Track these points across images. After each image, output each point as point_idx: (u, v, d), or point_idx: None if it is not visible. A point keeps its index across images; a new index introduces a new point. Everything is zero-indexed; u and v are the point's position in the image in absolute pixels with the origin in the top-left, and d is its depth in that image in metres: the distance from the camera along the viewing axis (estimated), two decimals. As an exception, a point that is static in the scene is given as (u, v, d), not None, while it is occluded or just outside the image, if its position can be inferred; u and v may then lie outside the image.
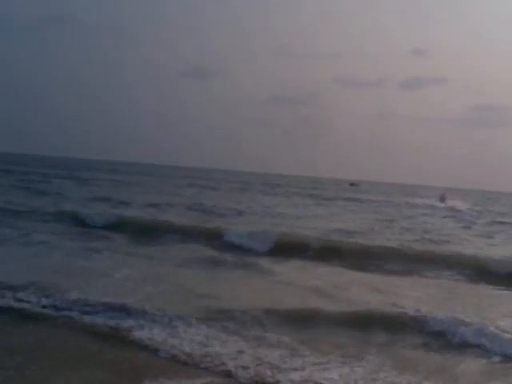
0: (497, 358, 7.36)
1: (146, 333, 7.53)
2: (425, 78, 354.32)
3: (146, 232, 18.25)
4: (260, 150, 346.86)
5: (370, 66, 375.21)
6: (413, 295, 11.07)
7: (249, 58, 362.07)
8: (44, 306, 8.55)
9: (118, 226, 19.10)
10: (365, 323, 8.57)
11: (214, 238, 17.52)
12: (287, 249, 16.22)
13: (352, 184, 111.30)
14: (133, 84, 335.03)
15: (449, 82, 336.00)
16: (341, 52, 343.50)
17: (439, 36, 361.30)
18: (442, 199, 58.98)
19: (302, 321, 8.59)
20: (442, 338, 8.09)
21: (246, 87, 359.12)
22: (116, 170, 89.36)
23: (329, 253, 15.99)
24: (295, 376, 6.37)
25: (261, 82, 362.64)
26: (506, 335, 7.81)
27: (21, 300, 8.75)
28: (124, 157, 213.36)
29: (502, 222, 35.12)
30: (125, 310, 8.39)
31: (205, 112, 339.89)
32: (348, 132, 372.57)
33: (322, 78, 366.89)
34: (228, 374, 6.41)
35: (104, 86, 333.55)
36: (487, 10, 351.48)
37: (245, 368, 6.53)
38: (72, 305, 8.59)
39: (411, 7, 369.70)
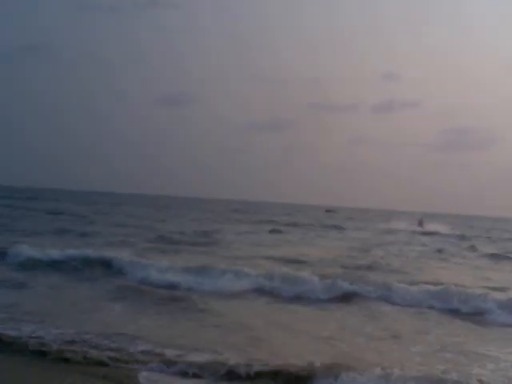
0: None
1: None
2: (397, 102, 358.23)
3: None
4: (238, 177, 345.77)
5: (344, 90, 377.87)
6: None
7: (225, 85, 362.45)
8: None
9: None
10: None
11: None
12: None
13: (328, 210, 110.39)
14: (108, 112, 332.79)
15: (421, 106, 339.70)
16: (316, 77, 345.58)
17: (410, 60, 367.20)
18: (420, 224, 60.24)
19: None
20: None
21: (222, 114, 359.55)
22: (83, 201, 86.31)
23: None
24: None
25: (237, 109, 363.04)
26: None
27: None
28: (99, 186, 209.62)
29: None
30: None
31: (181, 140, 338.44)
32: (324, 158, 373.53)
33: (298, 104, 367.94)
34: None
35: (78, 114, 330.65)
36: (457, 33, 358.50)
37: None
38: None
39: (383, 32, 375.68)
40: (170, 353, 8.10)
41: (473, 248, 33.42)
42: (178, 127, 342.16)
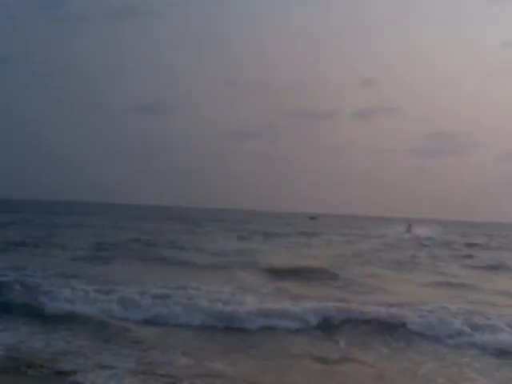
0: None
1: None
2: (377, 107, 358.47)
3: None
4: (217, 185, 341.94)
5: (325, 96, 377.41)
6: None
7: (203, 92, 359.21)
8: None
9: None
10: None
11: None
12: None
13: (312, 218, 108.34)
14: (84, 121, 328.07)
15: (400, 112, 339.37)
16: (292, 84, 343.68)
17: (390, 66, 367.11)
18: (409, 229, 61.98)
19: None
20: None
21: (201, 122, 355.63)
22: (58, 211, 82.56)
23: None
24: None
25: (216, 116, 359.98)
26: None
27: None
28: (75, 197, 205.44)
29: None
30: None
31: (158, 148, 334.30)
32: (306, 165, 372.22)
33: (277, 110, 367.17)
34: None
35: (53, 124, 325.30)
36: (436, 40, 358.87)
37: None
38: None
39: (362, 38, 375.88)
40: None
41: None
42: (155, 135, 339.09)
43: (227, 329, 10.42)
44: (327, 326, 10.70)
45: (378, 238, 46.43)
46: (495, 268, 25.00)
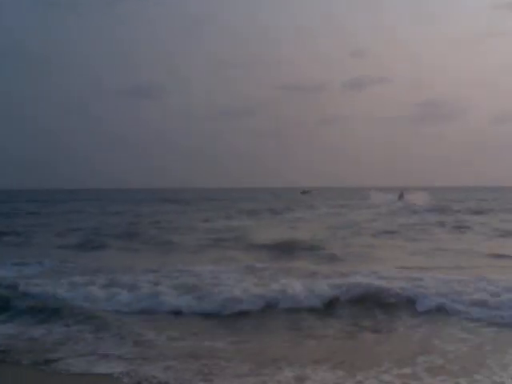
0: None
1: None
2: (367, 78, 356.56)
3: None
4: (211, 165, 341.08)
5: (313, 70, 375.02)
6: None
7: (191, 73, 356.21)
8: None
9: None
10: None
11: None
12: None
13: (304, 192, 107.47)
14: (81, 106, 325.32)
15: (390, 81, 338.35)
16: (282, 60, 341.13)
17: (377, 36, 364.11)
18: (401, 197, 63.24)
19: None
20: None
21: (191, 103, 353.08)
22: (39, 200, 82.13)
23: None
24: None
25: (209, 95, 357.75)
26: None
27: None
28: (75, 184, 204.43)
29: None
30: None
31: (150, 131, 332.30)
32: (298, 139, 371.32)
33: (267, 87, 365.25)
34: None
35: (49, 109, 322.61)
36: (422, 7, 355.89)
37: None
38: None
39: (348, 10, 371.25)
40: None
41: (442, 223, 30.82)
42: (150, 118, 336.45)
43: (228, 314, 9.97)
44: (328, 304, 10.31)
45: (370, 209, 46.51)
46: (484, 233, 24.92)
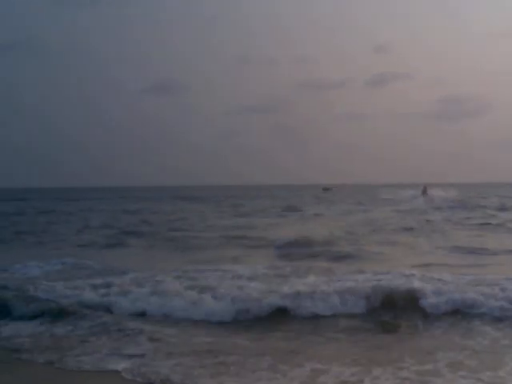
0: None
1: None
2: (390, 74, 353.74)
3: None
4: (233, 162, 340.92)
5: (335, 67, 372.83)
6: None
7: (212, 70, 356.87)
8: None
9: None
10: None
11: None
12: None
13: (326, 189, 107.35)
14: (97, 104, 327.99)
15: (413, 77, 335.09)
16: (303, 57, 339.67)
17: (399, 32, 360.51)
18: (424, 192, 64.90)
19: None
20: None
21: (211, 99, 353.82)
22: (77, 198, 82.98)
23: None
24: None
25: (227, 93, 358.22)
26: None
27: None
28: (92, 182, 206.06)
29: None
30: None
31: (171, 128, 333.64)
32: (320, 136, 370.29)
33: (288, 84, 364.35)
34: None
35: (68, 107, 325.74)
36: (445, 2, 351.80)
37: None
38: None
39: (369, 6, 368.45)
40: None
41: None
42: (167, 115, 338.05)
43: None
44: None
45: (392, 205, 45.96)
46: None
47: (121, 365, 7.01)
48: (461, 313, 9.34)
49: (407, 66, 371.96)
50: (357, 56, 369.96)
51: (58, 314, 9.63)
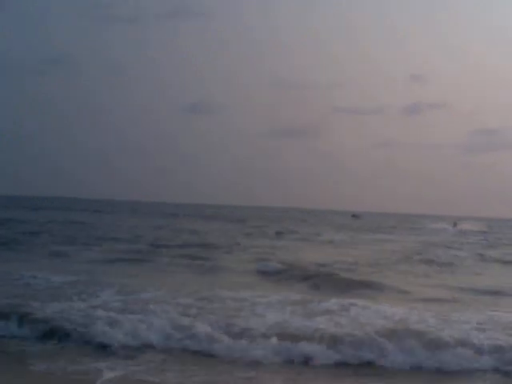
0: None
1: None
2: (424, 103, 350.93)
3: None
4: (264, 184, 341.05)
5: (370, 93, 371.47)
6: None
7: (248, 92, 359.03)
8: None
9: None
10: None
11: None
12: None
13: (354, 215, 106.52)
14: (133, 125, 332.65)
15: (449, 107, 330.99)
16: (339, 82, 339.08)
17: (436, 61, 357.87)
18: (455, 224, 69.02)
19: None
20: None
21: (246, 122, 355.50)
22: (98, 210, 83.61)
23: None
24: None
25: (262, 115, 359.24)
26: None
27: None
28: (126, 196, 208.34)
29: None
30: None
31: (204, 150, 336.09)
32: (352, 163, 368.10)
33: (322, 109, 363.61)
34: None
35: (104, 127, 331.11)
36: (483, 32, 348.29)
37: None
38: None
39: (406, 33, 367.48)
40: None
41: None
42: (199, 137, 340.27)
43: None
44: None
45: (421, 236, 45.34)
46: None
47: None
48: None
49: (444, 95, 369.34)
50: (392, 84, 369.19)
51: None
